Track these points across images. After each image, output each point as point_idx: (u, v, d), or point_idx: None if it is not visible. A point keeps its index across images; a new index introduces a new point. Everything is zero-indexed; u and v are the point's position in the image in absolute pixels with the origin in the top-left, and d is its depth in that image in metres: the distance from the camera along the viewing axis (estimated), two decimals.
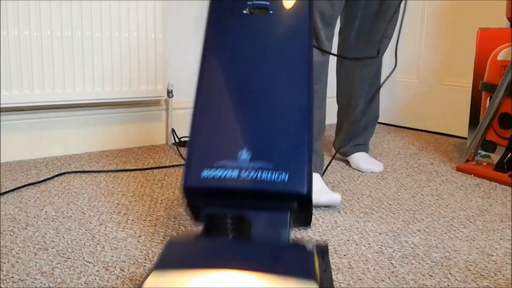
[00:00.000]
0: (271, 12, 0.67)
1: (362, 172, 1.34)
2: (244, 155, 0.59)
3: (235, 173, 0.58)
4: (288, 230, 0.59)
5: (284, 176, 0.58)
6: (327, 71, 1.18)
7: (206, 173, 0.59)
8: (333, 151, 1.48)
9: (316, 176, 1.12)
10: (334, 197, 1.03)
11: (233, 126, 0.61)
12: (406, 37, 1.92)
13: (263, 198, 0.59)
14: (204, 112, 0.63)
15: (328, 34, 1.14)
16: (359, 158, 1.36)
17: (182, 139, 1.60)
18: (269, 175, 0.58)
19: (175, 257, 0.53)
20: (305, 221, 0.65)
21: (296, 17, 0.67)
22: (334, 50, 1.41)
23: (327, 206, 1.03)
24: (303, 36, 0.66)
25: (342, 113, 1.42)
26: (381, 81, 1.40)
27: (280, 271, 0.50)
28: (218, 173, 0.59)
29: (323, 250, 0.66)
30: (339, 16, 1.33)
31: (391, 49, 1.98)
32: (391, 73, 1.23)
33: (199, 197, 0.61)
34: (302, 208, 0.60)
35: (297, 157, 0.59)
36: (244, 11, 0.68)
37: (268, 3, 0.68)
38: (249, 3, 0.68)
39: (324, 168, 1.21)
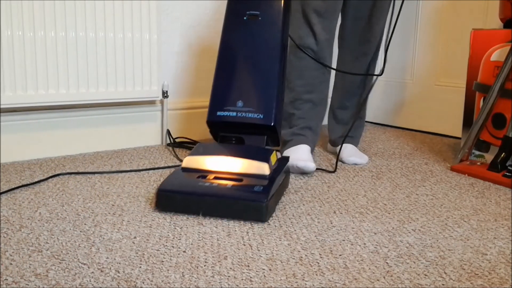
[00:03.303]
0: (260, 18, 1.13)
1: (346, 163, 1.39)
2: (240, 103, 1.10)
3: (234, 113, 1.10)
4: (264, 143, 1.11)
5: (260, 115, 1.09)
6: (330, 54, 1.33)
7: (219, 113, 1.11)
8: (328, 146, 1.54)
9: (305, 147, 1.31)
10: (308, 165, 1.23)
11: (234, 85, 1.12)
12: (401, 38, 1.93)
13: (249, 127, 1.10)
14: (219, 75, 1.14)
15: (327, 26, 1.28)
16: (344, 151, 1.41)
17: (177, 140, 1.60)
18: (252, 115, 1.09)
19: (199, 150, 1.07)
20: (276, 142, 1.15)
21: (274, 19, 1.13)
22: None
23: (304, 173, 1.26)
24: (277, 33, 1.12)
25: (331, 106, 1.48)
26: (371, 82, 1.45)
27: (250, 157, 1.03)
28: (225, 113, 1.11)
29: (285, 158, 1.15)
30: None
31: (389, 55, 1.99)
32: (375, 80, 1.38)
33: (216, 126, 1.13)
34: (272, 134, 1.11)
35: (269, 105, 1.09)
36: (245, 17, 1.14)
37: (258, 12, 1.14)
38: (247, 12, 1.14)
39: (335, 165, 1.33)
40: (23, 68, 1.29)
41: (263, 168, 1.00)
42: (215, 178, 1.00)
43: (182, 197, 0.96)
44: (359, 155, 1.41)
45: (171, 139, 1.58)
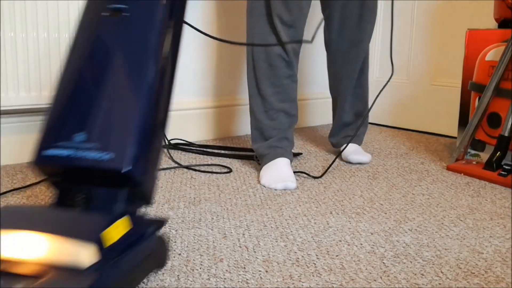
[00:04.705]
0: (126, 14, 0.75)
1: (351, 163, 1.38)
2: (80, 136, 0.68)
3: (67, 152, 0.68)
4: (117, 201, 0.69)
5: (108, 155, 0.67)
6: (297, 62, 1.28)
7: (47, 152, 0.69)
8: (330, 146, 1.53)
9: (284, 161, 1.24)
10: (288, 185, 1.15)
11: (76, 111, 0.71)
12: (396, 38, 1.93)
13: (95, 175, 0.68)
14: (57, 96, 0.73)
15: (292, 35, 1.23)
16: (348, 150, 1.40)
17: (172, 142, 1.59)
18: (95, 154, 0.67)
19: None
20: (146, 199, 0.73)
21: (148, 18, 0.74)
22: (318, 49, 1.42)
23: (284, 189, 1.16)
24: (150, 36, 0.73)
25: (333, 108, 1.48)
26: (369, 80, 1.47)
27: (69, 232, 0.60)
28: (55, 151, 0.68)
29: (157, 225, 0.73)
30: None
31: (385, 55, 1.99)
32: (389, 79, 1.32)
33: (47, 173, 0.72)
34: (133, 186, 0.69)
35: (125, 141, 0.67)
36: (105, 13, 0.76)
37: (124, 6, 0.75)
38: (109, 6, 0.76)
39: (325, 169, 1.31)
40: (15, 71, 1.28)
41: (79, 256, 0.58)
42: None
43: None
44: (363, 153, 1.40)
45: (166, 141, 1.57)
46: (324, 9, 1.36)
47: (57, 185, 0.72)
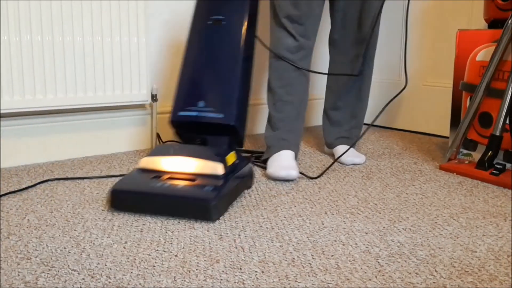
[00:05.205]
0: (224, 23, 1.17)
1: (344, 164, 1.39)
2: (201, 103, 1.13)
3: (195, 113, 1.13)
4: (226, 144, 1.15)
5: (221, 115, 1.12)
6: (308, 57, 1.32)
7: (181, 113, 1.15)
8: (325, 149, 1.54)
9: (288, 154, 1.28)
10: (290, 173, 1.20)
11: (197, 86, 1.16)
12: (388, 38, 1.94)
13: (211, 127, 1.13)
14: (183, 77, 1.18)
15: (302, 32, 1.28)
16: (342, 151, 1.41)
17: (166, 143, 1.59)
18: (212, 114, 1.12)
19: (157, 151, 1.09)
20: (239, 143, 1.18)
21: (237, 24, 1.16)
22: (322, 49, 1.43)
23: (286, 180, 1.23)
24: (239, 36, 1.16)
25: (325, 107, 1.49)
26: (371, 85, 1.48)
27: (205, 157, 1.05)
28: (186, 113, 1.14)
29: (245, 159, 1.16)
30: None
31: (381, 56, 2.01)
32: (401, 91, 1.35)
33: (178, 127, 1.17)
34: (234, 134, 1.14)
35: (229, 105, 1.12)
36: (210, 22, 1.18)
37: (222, 17, 1.17)
38: (211, 17, 1.18)
39: (323, 171, 1.31)
40: (9, 74, 1.27)
41: (216, 168, 1.02)
42: (169, 178, 1.01)
43: (133, 197, 0.99)
44: (356, 155, 1.42)
45: (161, 143, 1.57)
46: (330, 9, 1.40)
47: (182, 135, 1.18)
